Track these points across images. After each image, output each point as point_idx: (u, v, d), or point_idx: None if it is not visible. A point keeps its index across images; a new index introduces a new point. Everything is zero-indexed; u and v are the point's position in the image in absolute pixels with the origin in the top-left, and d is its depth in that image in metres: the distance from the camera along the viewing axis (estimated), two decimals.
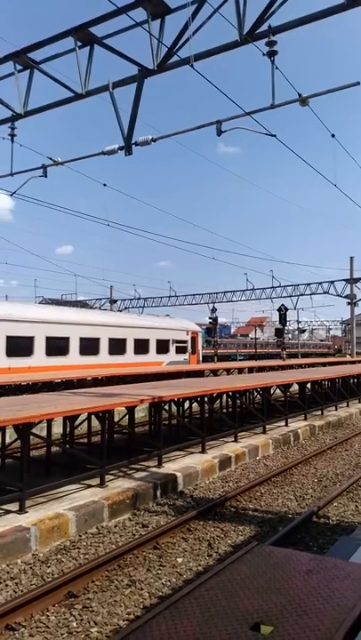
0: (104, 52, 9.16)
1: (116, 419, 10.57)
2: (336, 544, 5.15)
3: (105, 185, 16.14)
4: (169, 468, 8.75)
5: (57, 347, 18.90)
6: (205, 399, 10.76)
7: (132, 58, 8.92)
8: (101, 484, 7.64)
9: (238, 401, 12.30)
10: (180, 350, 25.90)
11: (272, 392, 14.55)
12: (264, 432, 12.28)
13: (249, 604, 1.86)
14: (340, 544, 5.00)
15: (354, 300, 40.28)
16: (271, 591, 1.93)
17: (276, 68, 9.24)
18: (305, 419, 14.55)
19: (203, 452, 9.93)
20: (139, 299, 51.41)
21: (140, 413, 14.16)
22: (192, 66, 8.26)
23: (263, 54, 8.82)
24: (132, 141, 9.92)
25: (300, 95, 9.71)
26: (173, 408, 11.08)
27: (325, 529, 6.57)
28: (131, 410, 9.47)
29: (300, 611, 1.78)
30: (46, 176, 11.69)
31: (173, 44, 8.47)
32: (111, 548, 5.95)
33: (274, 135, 10.21)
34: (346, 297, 40.31)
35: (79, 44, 9.19)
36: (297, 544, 6.05)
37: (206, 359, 34.61)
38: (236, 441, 11.09)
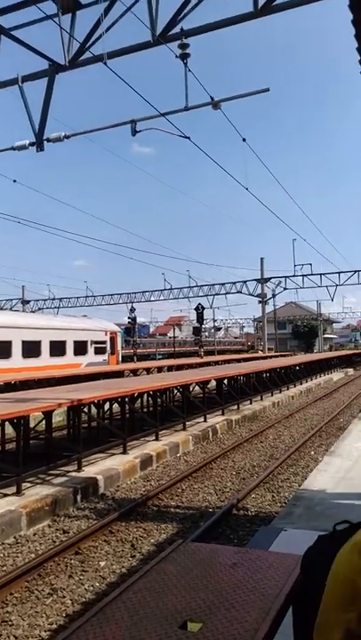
0: (17, 46, 8.78)
1: (32, 424, 10.20)
2: (256, 535, 5.35)
3: (15, 181, 15.53)
4: (89, 471, 8.60)
5: None
6: (126, 400, 10.70)
7: (42, 52, 8.63)
8: (18, 493, 7.34)
9: (159, 400, 12.37)
10: (99, 351, 25.53)
11: (191, 389, 14.79)
12: (184, 429, 12.46)
13: (177, 602, 1.87)
14: (260, 534, 5.20)
15: (264, 299, 42.04)
16: (199, 588, 1.96)
17: (189, 70, 9.40)
18: (222, 414, 14.95)
19: (124, 452, 9.87)
20: (53, 299, 50.01)
21: (58, 417, 13.77)
22: (105, 63, 8.16)
23: (176, 56, 8.93)
24: (44, 137, 9.63)
25: (212, 99, 9.95)
26: (93, 410, 10.91)
27: (245, 520, 6.79)
28: (48, 414, 9.17)
29: (228, 604, 1.82)
30: None
31: (85, 39, 8.32)
32: (30, 558, 5.74)
33: (188, 137, 10.38)
34: (257, 296, 41.96)
35: None
36: (218, 537, 6.20)
37: (126, 359, 34.42)
38: (157, 439, 11.14)
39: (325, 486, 6.94)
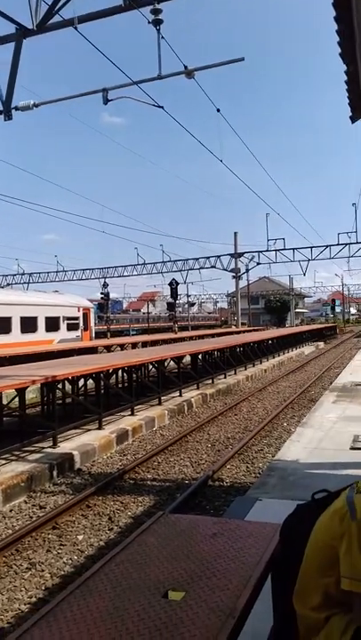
0: None
1: (5, 401, 10.09)
2: (232, 505, 5.47)
3: None
4: (65, 447, 8.60)
5: None
6: (101, 375, 10.67)
7: (8, 15, 8.23)
8: None
9: (134, 375, 12.38)
10: (72, 327, 25.29)
11: (166, 364, 14.85)
12: (160, 403, 12.54)
13: (160, 573, 1.89)
14: (236, 504, 5.32)
15: (238, 274, 42.21)
16: (180, 558, 1.98)
17: (162, 37, 9.14)
18: (197, 388, 15.10)
19: (100, 428, 9.89)
20: (23, 274, 49.08)
21: (31, 394, 13.67)
22: (76, 28, 7.85)
23: (149, 22, 8.65)
24: (12, 106, 9.27)
25: (185, 67, 9.72)
26: (68, 387, 10.85)
27: (221, 491, 6.93)
28: (21, 392, 9.08)
29: (209, 573, 1.85)
30: None
31: (54, 2, 7.96)
32: (7, 533, 5.75)
33: (161, 107, 10.15)
34: (231, 271, 42.09)
35: None
36: (195, 508, 6.32)
37: (99, 335, 34.24)
38: (132, 414, 11.19)
39: (298, 456, 7.12)
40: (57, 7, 7.97)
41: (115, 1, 7.98)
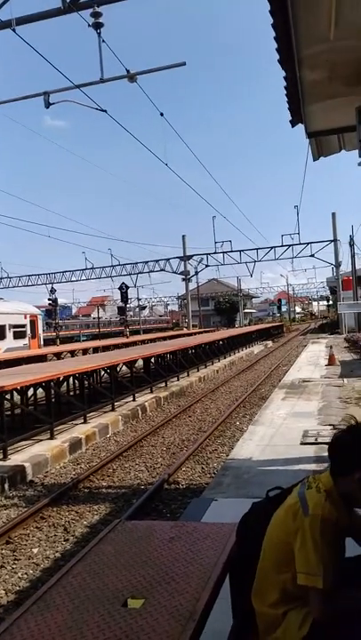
0: None
1: None
2: (188, 507, 5.49)
3: None
4: (16, 459, 8.36)
5: None
6: (51, 384, 10.45)
7: None
8: None
9: (86, 382, 12.20)
10: (19, 335, 24.59)
11: (119, 369, 14.73)
12: (113, 409, 12.41)
13: (118, 581, 1.88)
14: (192, 506, 5.34)
15: (188, 277, 42.55)
16: (139, 565, 1.97)
17: (103, 41, 9.10)
18: (151, 392, 15.07)
19: (52, 437, 9.68)
20: None
21: None
22: (14, 30, 7.69)
23: (89, 25, 8.59)
24: None
25: (128, 71, 9.72)
26: (16, 397, 10.55)
27: (177, 494, 6.94)
28: None
29: (168, 578, 1.85)
30: None
31: None
32: None
33: (104, 110, 10.10)
34: (180, 273, 42.37)
35: None
36: (151, 513, 6.30)
37: (48, 342, 33.51)
38: (85, 422, 11.02)
39: (251, 454, 7.24)
40: None
41: (54, 3, 7.89)
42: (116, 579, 1.90)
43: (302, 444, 7.61)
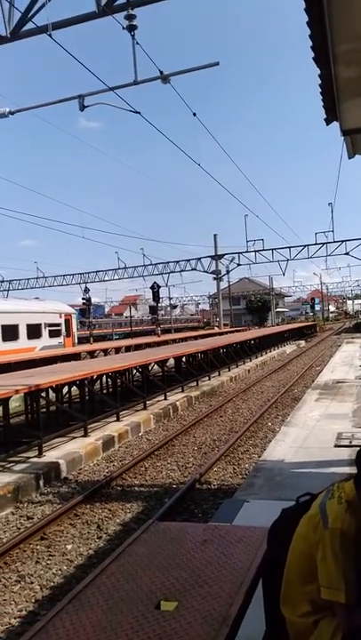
0: None
1: None
2: (220, 508, 5.49)
3: None
4: (51, 456, 8.53)
5: None
6: (85, 382, 10.61)
7: None
8: None
9: (118, 380, 12.33)
10: (54, 334, 25.06)
11: (150, 368, 14.82)
12: (145, 408, 12.51)
13: (151, 583, 1.90)
14: (224, 507, 5.33)
15: (219, 276, 42.38)
16: (171, 567, 1.99)
17: (137, 43, 9.16)
18: (182, 391, 15.10)
19: (85, 435, 9.83)
20: (2, 281, 48.48)
21: (15, 403, 13.52)
22: (50, 35, 7.82)
23: (123, 28, 8.66)
24: None
25: (161, 72, 9.76)
26: (52, 395, 10.76)
27: (208, 494, 6.94)
28: (4, 402, 8.97)
29: (201, 581, 1.86)
30: None
31: (27, 9, 7.92)
32: None
33: (138, 112, 10.16)
34: (212, 272, 42.24)
35: None
36: (183, 513, 6.32)
37: (82, 341, 34.01)
38: (118, 420, 11.15)
39: (284, 456, 7.18)
40: (30, 14, 7.94)
41: (89, 7, 7.98)
42: (149, 580, 1.92)
43: (336, 446, 7.49)
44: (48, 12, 7.77)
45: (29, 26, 8.00)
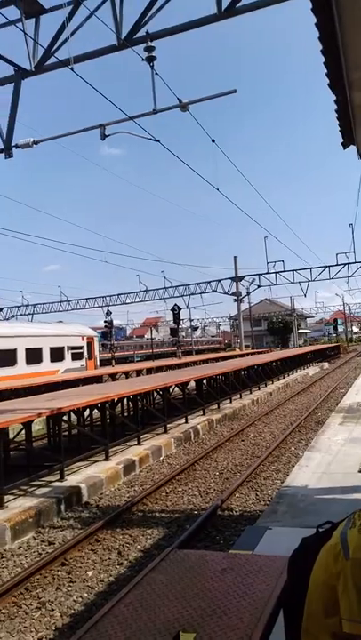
0: None
1: (11, 435, 10.04)
2: (242, 535, 5.39)
3: None
4: (72, 480, 8.53)
5: None
6: (106, 405, 10.64)
7: (7, 57, 8.53)
8: (0, 506, 7.24)
9: (139, 403, 12.33)
10: (77, 357, 25.30)
11: (171, 391, 14.80)
12: (166, 431, 12.45)
13: (169, 613, 1.88)
14: (246, 534, 5.24)
15: (239, 297, 42.36)
16: (190, 596, 1.97)
17: (156, 73, 9.41)
18: (203, 414, 15.00)
19: (106, 459, 9.82)
20: (27, 305, 49.38)
21: (37, 426, 13.61)
22: (72, 68, 8.11)
23: (142, 59, 8.93)
24: (13, 144, 9.51)
25: (180, 101, 9.98)
26: (73, 418, 10.82)
27: (230, 521, 6.83)
28: (27, 425, 9.06)
29: (220, 612, 1.84)
30: None
31: (50, 44, 8.26)
32: (16, 572, 5.67)
33: (157, 140, 10.38)
34: (232, 294, 42.25)
35: None
36: (204, 540, 6.23)
37: (104, 363, 34.20)
38: (139, 444, 11.11)
39: (308, 482, 7.04)
40: (53, 49, 8.27)
41: (109, 40, 8.27)
42: (167, 610, 1.90)
43: None
44: (70, 45, 8.07)
45: (52, 60, 8.31)
